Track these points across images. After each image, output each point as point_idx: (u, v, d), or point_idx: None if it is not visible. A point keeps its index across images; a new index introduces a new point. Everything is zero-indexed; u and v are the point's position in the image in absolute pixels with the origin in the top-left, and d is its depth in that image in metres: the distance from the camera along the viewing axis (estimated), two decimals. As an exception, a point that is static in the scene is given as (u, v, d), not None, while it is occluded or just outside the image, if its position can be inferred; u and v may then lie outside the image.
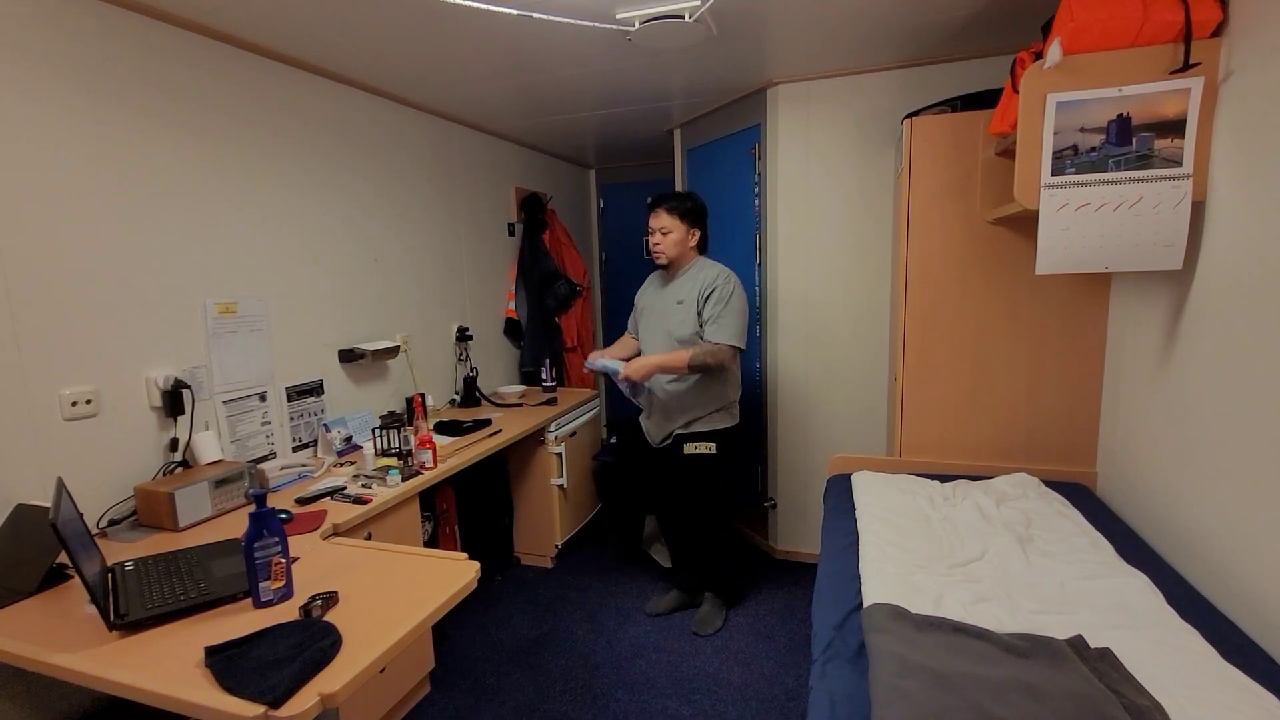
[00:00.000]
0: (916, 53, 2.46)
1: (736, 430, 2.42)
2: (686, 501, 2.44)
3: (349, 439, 2.37)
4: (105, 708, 1.62)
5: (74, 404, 1.63)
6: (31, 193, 1.55)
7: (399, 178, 2.78)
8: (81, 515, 1.36)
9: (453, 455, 2.28)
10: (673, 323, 2.34)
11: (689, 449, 2.34)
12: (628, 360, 2.35)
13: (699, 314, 2.29)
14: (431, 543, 2.54)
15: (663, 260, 2.36)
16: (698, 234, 2.36)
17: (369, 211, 2.62)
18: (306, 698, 0.99)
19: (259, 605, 1.26)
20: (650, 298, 2.50)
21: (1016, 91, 1.66)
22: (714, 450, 2.34)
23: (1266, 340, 1.28)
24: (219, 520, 1.74)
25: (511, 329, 3.67)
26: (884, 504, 1.90)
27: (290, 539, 1.36)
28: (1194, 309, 1.55)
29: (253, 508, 1.23)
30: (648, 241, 2.42)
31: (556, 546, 3.06)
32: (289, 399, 2.26)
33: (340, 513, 1.78)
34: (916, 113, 2.21)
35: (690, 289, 2.31)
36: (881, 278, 2.74)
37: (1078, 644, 1.16)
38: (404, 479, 2.02)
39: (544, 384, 3.41)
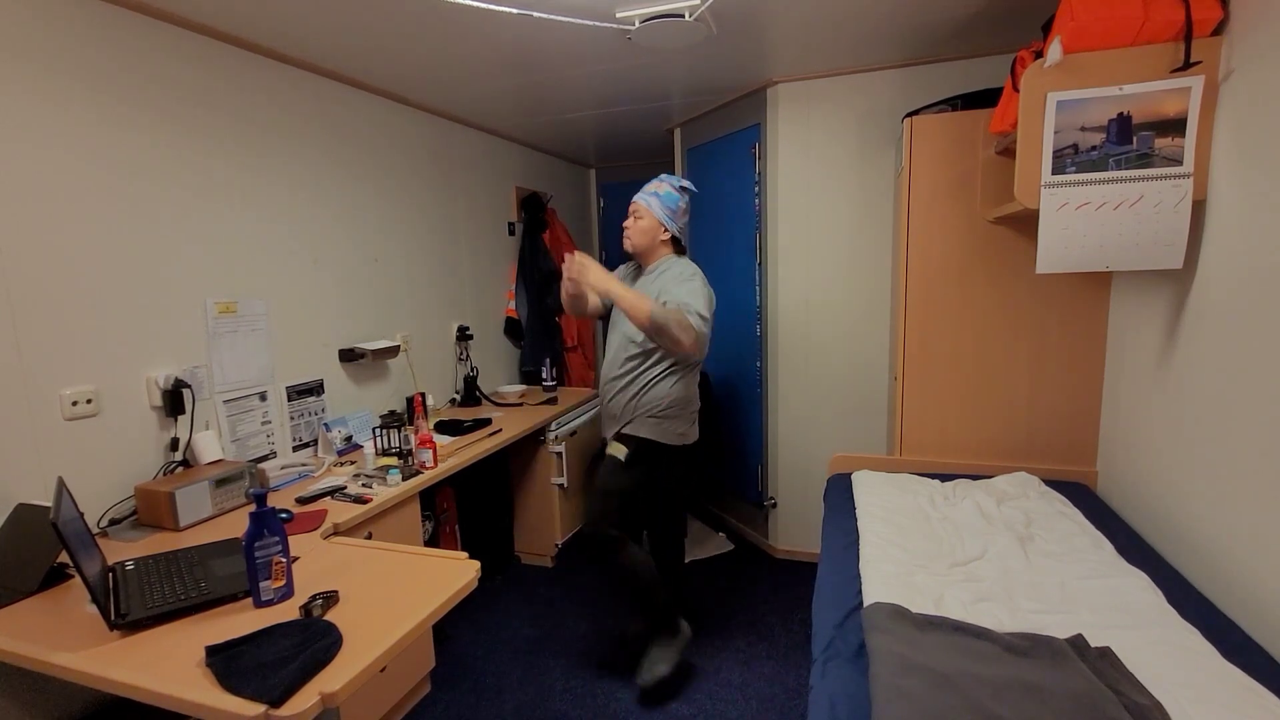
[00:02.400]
0: (917, 52, 2.46)
1: (663, 450, 2.10)
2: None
3: (349, 438, 2.37)
4: (106, 707, 1.62)
5: (74, 404, 1.63)
6: (32, 192, 1.55)
7: (399, 177, 2.78)
8: (82, 515, 1.36)
9: (453, 455, 2.28)
10: (630, 328, 2.07)
11: (609, 448, 2.14)
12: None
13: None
14: (432, 542, 2.54)
15: (628, 247, 2.15)
16: (669, 233, 2.11)
17: (369, 211, 2.62)
18: (307, 697, 0.99)
19: (259, 605, 1.26)
20: None
21: (1017, 90, 1.66)
22: (622, 456, 2.07)
23: (1267, 339, 1.28)
24: (219, 520, 1.74)
25: (512, 328, 3.67)
26: (884, 503, 1.90)
27: (290, 538, 1.36)
28: (1194, 308, 1.55)
29: (253, 507, 1.23)
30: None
31: (556, 546, 3.06)
32: (289, 398, 2.26)
33: (340, 512, 1.78)
34: (916, 112, 2.21)
35: (653, 288, 2.05)
36: (881, 277, 2.74)
37: (1078, 643, 1.16)
38: (404, 478, 2.02)
39: (544, 383, 3.41)
